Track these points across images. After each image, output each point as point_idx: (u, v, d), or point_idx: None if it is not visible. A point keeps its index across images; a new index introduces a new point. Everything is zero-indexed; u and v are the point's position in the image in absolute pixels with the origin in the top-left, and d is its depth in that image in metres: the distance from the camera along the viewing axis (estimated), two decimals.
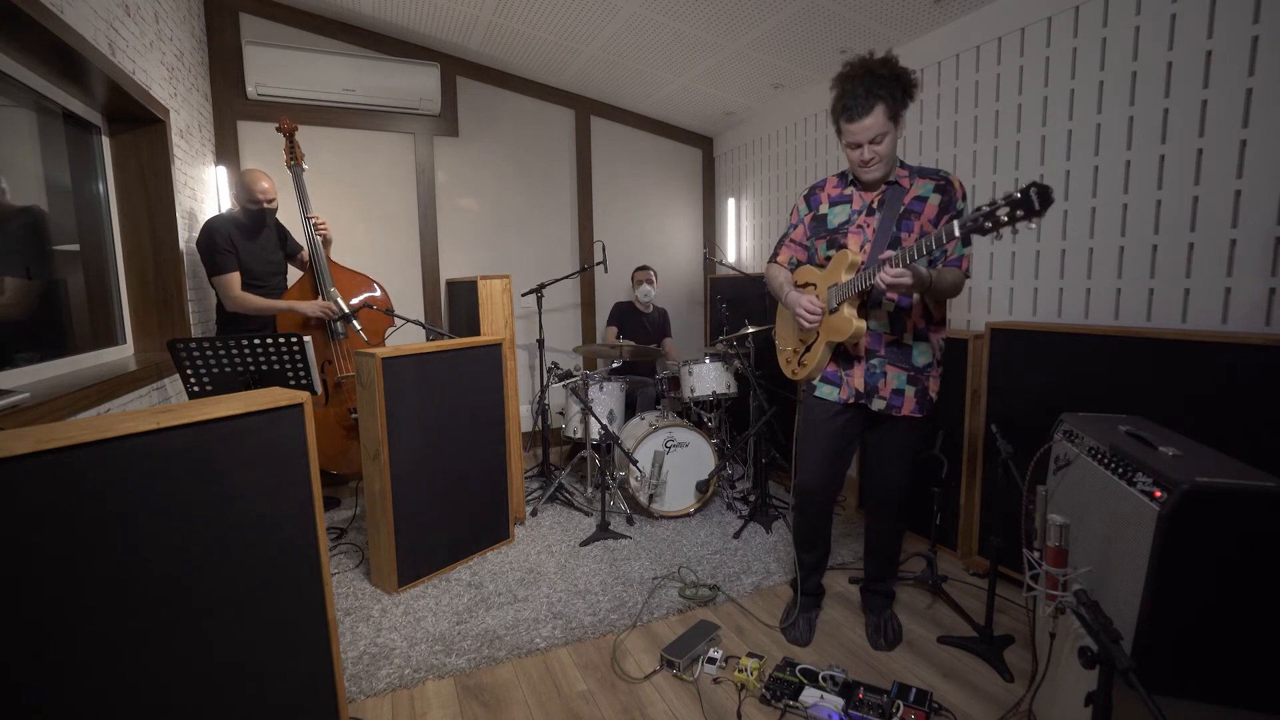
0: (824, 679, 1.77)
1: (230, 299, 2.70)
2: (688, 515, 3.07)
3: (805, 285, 1.94)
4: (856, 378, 1.87)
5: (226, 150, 3.37)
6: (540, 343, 3.58)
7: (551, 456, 3.82)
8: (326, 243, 2.98)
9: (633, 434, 3.11)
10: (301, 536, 1.28)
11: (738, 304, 3.75)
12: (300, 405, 1.26)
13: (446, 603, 2.28)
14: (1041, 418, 2.00)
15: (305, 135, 3.36)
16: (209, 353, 1.96)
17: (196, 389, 1.98)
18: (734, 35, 3.15)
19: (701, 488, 3.08)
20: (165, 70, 2.57)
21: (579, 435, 3.38)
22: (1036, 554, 1.41)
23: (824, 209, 1.92)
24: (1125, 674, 0.95)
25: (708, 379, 3.23)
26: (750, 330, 3.23)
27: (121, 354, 2.43)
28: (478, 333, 2.98)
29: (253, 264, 2.78)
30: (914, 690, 1.73)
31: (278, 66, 3.34)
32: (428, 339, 2.92)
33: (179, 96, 2.74)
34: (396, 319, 2.97)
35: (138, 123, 2.41)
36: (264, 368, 2.04)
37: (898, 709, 1.66)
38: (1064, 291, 2.38)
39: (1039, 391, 2.22)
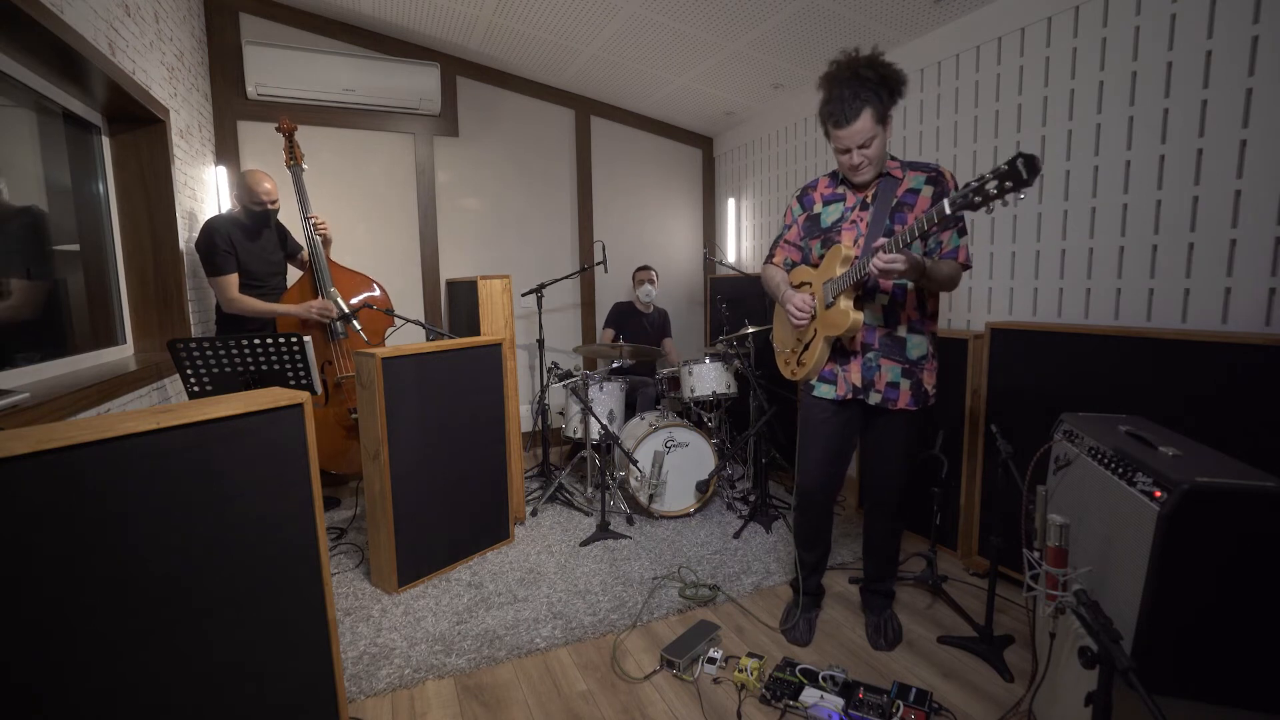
0: (824, 679, 1.77)
1: (227, 300, 2.70)
2: (688, 515, 3.07)
3: (801, 285, 1.94)
4: (853, 372, 1.87)
5: (226, 150, 3.37)
6: (540, 343, 3.58)
7: (551, 456, 3.82)
8: (326, 242, 2.98)
9: (633, 434, 3.11)
10: (301, 536, 1.28)
11: (738, 304, 3.75)
12: (300, 405, 1.26)
13: (446, 603, 2.28)
14: (1041, 418, 2.00)
15: (305, 135, 3.36)
16: (209, 353, 1.96)
17: (196, 389, 1.98)
18: (734, 35, 3.15)
19: (701, 488, 3.08)
20: (165, 70, 2.57)
21: (579, 435, 3.38)
22: (1036, 554, 1.41)
23: (817, 209, 1.93)
24: (1125, 674, 0.95)
25: (708, 379, 3.23)
26: (750, 330, 3.23)
27: (121, 354, 2.43)
28: (478, 333, 2.98)
29: (253, 264, 2.78)
30: (914, 690, 1.73)
31: (278, 66, 3.34)
32: (428, 339, 2.92)
33: (179, 96, 2.74)
34: (396, 319, 2.97)
35: (138, 123, 2.41)
36: (264, 368, 2.04)
37: (898, 709, 1.66)
38: (1064, 291, 2.38)
39: (1039, 391, 2.22)
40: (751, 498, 3.15)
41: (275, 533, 1.23)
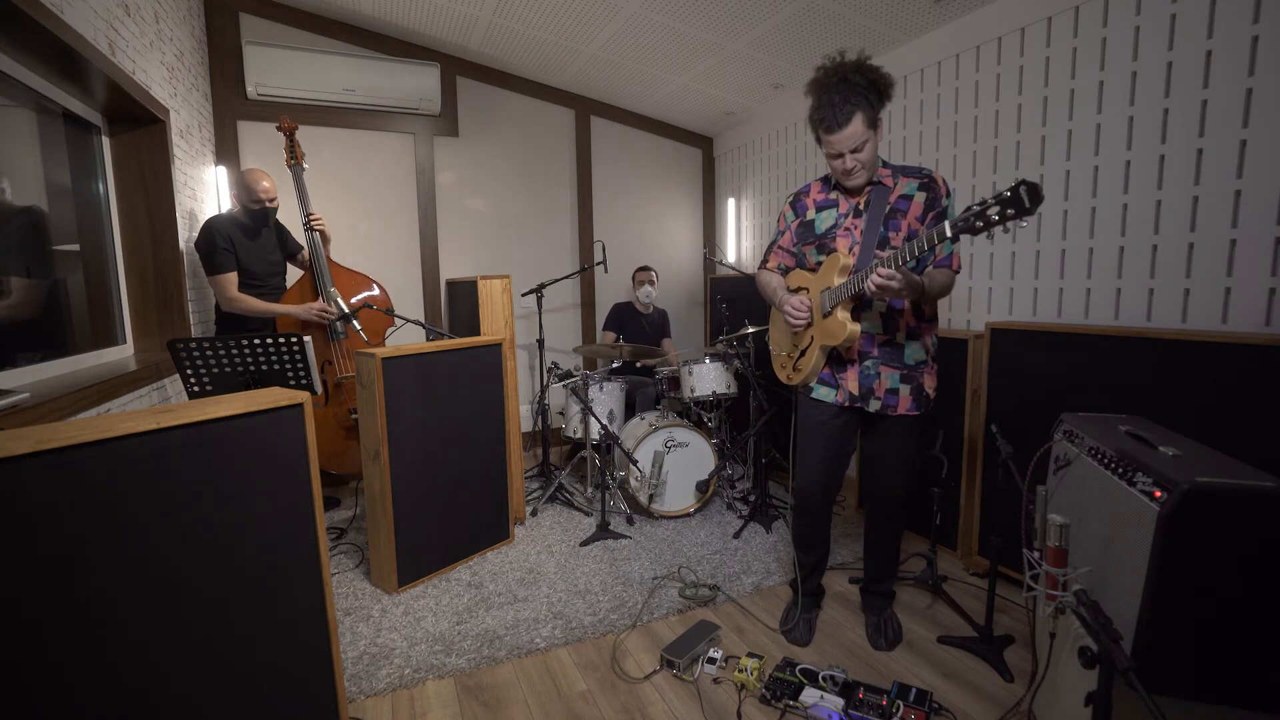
0: (824, 679, 1.77)
1: (225, 299, 2.70)
2: (688, 515, 3.07)
3: (798, 290, 1.95)
4: (850, 381, 1.86)
5: (226, 150, 3.37)
6: (540, 343, 3.58)
7: (551, 456, 3.81)
8: (326, 241, 2.98)
9: (633, 434, 3.11)
10: (301, 536, 1.28)
11: (738, 304, 3.75)
12: (300, 405, 1.26)
13: (446, 603, 2.28)
14: (1041, 418, 2.00)
15: (305, 135, 3.36)
16: (209, 353, 1.96)
17: (196, 389, 1.98)
18: (734, 35, 3.15)
19: (701, 488, 3.08)
20: (165, 70, 2.57)
21: (579, 435, 3.38)
22: (1036, 554, 1.41)
23: (810, 214, 1.92)
24: (1125, 674, 0.95)
25: (708, 379, 3.23)
26: (750, 330, 3.23)
27: (121, 354, 2.43)
28: (478, 333, 2.98)
29: (252, 264, 2.79)
30: (914, 690, 1.73)
31: (278, 66, 3.34)
32: (428, 339, 2.92)
33: (179, 96, 2.74)
34: (396, 319, 2.97)
35: (138, 123, 2.41)
36: (264, 368, 2.04)
37: (898, 709, 1.66)
38: (1064, 291, 2.38)
39: (1039, 391, 2.22)
40: (751, 498, 3.15)
41: (275, 533, 1.23)
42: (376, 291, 3.10)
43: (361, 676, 1.86)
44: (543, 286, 3.54)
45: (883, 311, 1.83)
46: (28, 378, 1.82)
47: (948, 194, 1.78)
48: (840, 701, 1.68)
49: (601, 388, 3.33)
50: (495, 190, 4.15)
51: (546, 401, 3.45)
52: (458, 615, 2.20)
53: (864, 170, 1.76)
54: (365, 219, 3.79)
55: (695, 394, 3.24)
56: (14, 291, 1.82)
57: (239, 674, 1.18)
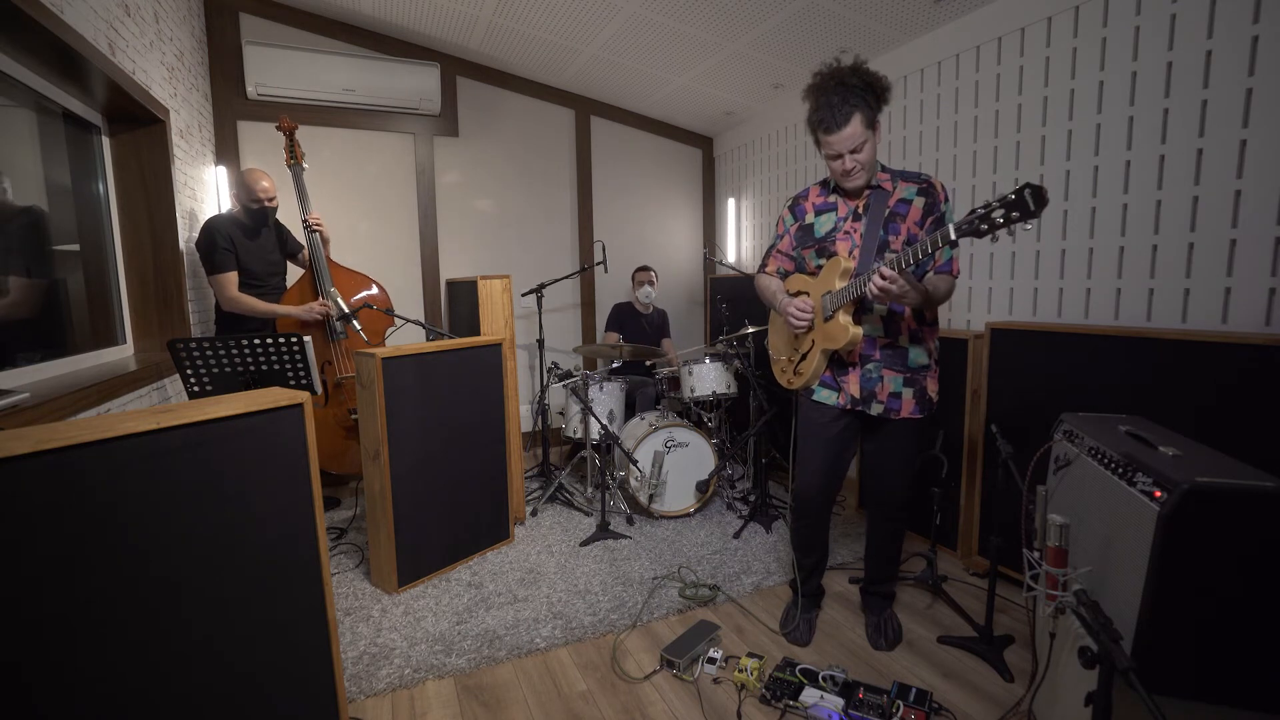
0: (824, 679, 1.77)
1: (225, 298, 2.70)
2: (688, 515, 3.07)
3: (798, 294, 1.94)
4: (852, 384, 1.86)
5: (226, 150, 3.37)
6: (540, 343, 3.58)
7: (551, 456, 3.81)
8: (325, 241, 2.98)
9: (633, 434, 3.11)
10: (301, 536, 1.28)
11: (738, 304, 3.75)
12: (300, 405, 1.26)
13: (446, 603, 2.28)
14: (1041, 418, 2.00)
15: (305, 135, 3.36)
16: (209, 353, 1.96)
17: (196, 389, 1.98)
18: (734, 35, 3.15)
19: (701, 488, 3.08)
20: (165, 70, 2.57)
21: (579, 435, 3.38)
22: (1036, 554, 1.41)
23: (810, 218, 1.92)
24: (1125, 674, 0.95)
25: (708, 379, 3.23)
26: (750, 330, 3.23)
27: (121, 354, 2.43)
28: (478, 333, 2.98)
29: (252, 264, 2.79)
30: (914, 690, 1.73)
31: (278, 66, 3.34)
32: (428, 339, 2.92)
33: (179, 96, 2.74)
34: (396, 319, 2.97)
35: (138, 123, 2.41)
36: (264, 368, 2.04)
37: (898, 709, 1.66)
38: (1064, 291, 2.38)
39: (1039, 391, 2.22)
40: (751, 498, 3.15)
41: (275, 533, 1.23)
42: (376, 291, 3.10)
43: (361, 676, 1.86)
44: (543, 286, 3.54)
45: (883, 315, 1.83)
46: (28, 378, 1.82)
47: (946, 199, 1.78)
48: (840, 701, 1.68)
49: (601, 388, 3.33)
50: (495, 190, 4.15)
51: (546, 401, 3.45)
52: (458, 615, 2.20)
53: (863, 171, 1.76)
54: (365, 219, 3.79)
55: (695, 394, 3.24)
56: (12, 290, 1.82)
57: (239, 674, 1.18)
